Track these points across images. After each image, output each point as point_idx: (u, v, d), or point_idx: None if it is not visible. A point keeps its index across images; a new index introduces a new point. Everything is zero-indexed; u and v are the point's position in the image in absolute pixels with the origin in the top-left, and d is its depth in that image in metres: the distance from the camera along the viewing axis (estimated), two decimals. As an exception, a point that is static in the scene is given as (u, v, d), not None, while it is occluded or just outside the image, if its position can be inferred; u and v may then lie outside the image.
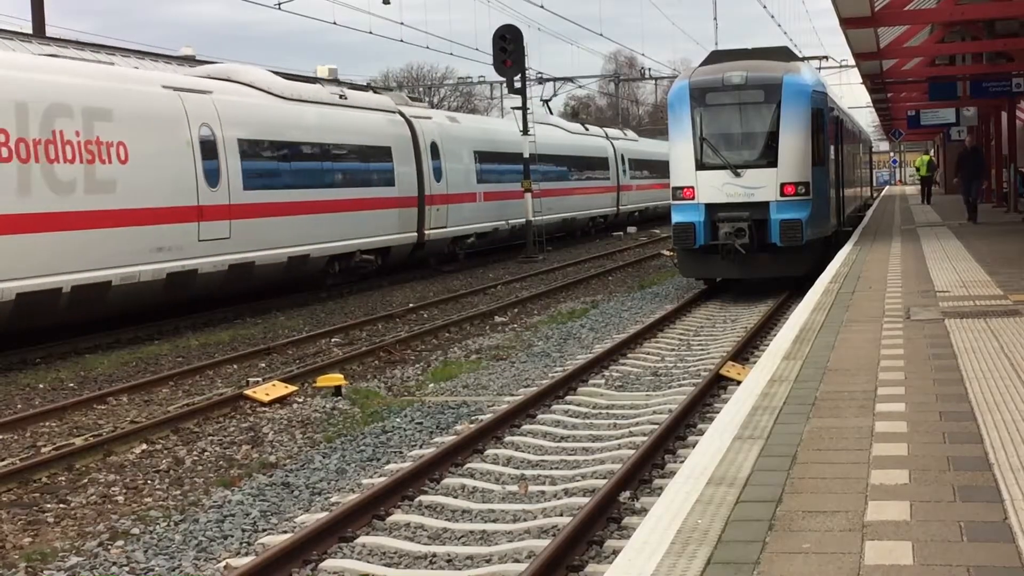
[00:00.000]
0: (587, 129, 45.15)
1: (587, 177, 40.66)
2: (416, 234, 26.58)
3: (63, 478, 9.46)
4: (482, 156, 31.07)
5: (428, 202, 27.12)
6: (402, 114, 27.12)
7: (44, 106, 15.66)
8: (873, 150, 59.56)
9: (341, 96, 24.77)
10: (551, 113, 48.92)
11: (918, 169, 50.17)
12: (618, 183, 44.34)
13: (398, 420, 11.15)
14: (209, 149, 19.02)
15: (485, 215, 30.78)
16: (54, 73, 16.40)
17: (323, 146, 22.81)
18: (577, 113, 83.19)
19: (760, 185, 19.18)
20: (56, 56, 18.96)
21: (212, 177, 19.01)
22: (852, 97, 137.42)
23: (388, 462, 9.59)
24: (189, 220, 18.32)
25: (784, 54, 21.66)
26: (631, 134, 53.11)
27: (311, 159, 22.32)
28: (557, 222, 36.04)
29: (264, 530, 7.80)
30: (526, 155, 32.31)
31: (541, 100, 49.68)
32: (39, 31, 29.37)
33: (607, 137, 45.69)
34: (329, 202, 22.62)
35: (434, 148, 27.90)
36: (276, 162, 21.20)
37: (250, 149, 20.23)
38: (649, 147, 51.30)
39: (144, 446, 10.45)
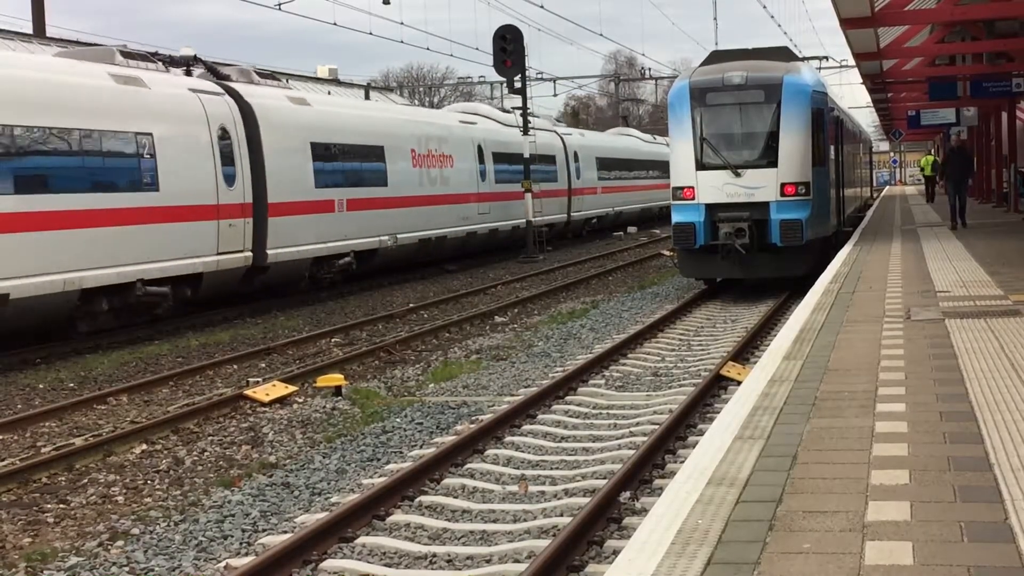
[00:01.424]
0: (655, 138, 55.67)
1: (657, 175, 50.05)
2: (566, 215, 38.58)
3: (63, 478, 9.46)
4: (601, 161, 42.78)
5: (573, 193, 38.93)
6: (556, 132, 39.25)
7: (424, 136, 27.85)
8: (873, 150, 59.59)
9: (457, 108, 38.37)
10: (628, 124, 60.15)
11: (922, 169, 50.30)
12: None
13: (398, 420, 11.15)
14: (481, 158, 31.50)
15: (602, 203, 42.65)
16: (421, 116, 30.42)
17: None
18: (577, 113, 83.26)
19: (760, 185, 19.17)
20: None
21: (483, 175, 31.46)
22: (852, 97, 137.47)
23: (388, 462, 9.59)
24: (473, 201, 30.60)
25: (784, 54, 21.65)
26: None
27: (520, 164, 33.20)
28: (637, 211, 47.37)
29: (264, 530, 7.80)
30: (526, 155, 32.36)
31: (622, 117, 64.75)
32: (39, 31, 29.37)
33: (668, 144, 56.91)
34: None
35: (575, 155, 39.56)
36: (505, 165, 33.09)
37: (496, 158, 32.61)
38: None
39: (144, 446, 10.45)
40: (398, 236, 25.54)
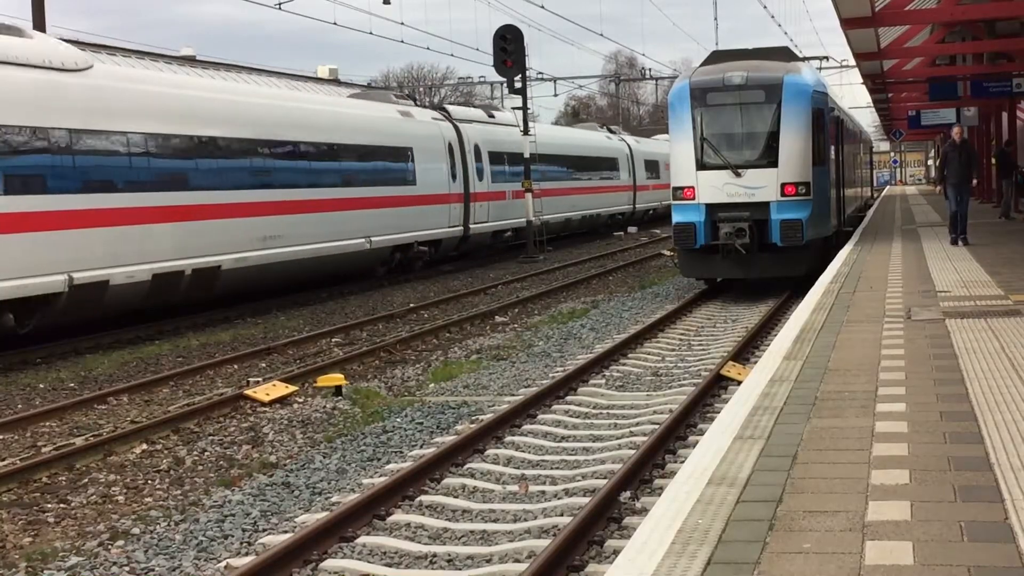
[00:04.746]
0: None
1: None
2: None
3: (63, 478, 9.46)
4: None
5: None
6: None
7: (645, 158, 51.63)
8: (873, 150, 59.63)
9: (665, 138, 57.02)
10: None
11: None
12: None
13: (398, 420, 11.15)
14: (655, 168, 52.15)
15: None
16: (662, 146, 48.73)
17: (657, 163, 52.45)
18: (577, 113, 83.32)
19: (761, 185, 19.17)
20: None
21: (650, 174, 52.16)
22: (852, 97, 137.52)
23: (388, 462, 9.59)
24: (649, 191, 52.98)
25: (785, 54, 21.65)
26: None
27: (653, 168, 52.86)
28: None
29: (264, 530, 7.80)
30: (526, 155, 32.37)
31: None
32: (39, 31, 29.30)
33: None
34: (663, 184, 50.90)
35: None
36: (651, 167, 52.80)
37: (646, 165, 52.57)
38: None
39: (144, 446, 10.45)
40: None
